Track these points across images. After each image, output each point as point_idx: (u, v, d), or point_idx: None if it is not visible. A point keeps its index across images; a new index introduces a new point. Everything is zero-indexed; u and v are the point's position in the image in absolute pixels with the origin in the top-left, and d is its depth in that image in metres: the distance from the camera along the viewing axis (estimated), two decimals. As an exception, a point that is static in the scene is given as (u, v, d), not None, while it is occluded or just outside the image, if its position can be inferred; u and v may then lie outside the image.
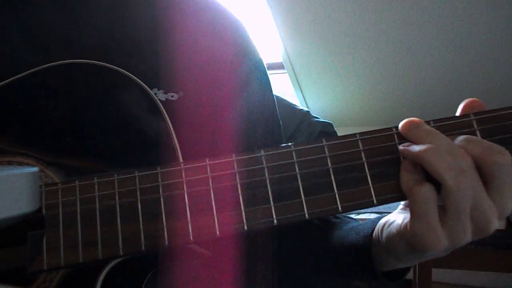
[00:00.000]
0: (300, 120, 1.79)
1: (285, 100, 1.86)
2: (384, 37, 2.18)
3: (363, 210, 1.39)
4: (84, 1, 0.54)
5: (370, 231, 0.46)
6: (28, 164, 0.42)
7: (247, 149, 0.53)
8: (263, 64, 0.63)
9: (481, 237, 0.36)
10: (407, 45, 2.21)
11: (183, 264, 0.43)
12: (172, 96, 0.49)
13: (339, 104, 2.90)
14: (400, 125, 0.38)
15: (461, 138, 0.36)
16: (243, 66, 0.58)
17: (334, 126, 1.92)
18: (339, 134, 1.88)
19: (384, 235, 0.42)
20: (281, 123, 0.64)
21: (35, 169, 0.34)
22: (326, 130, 1.84)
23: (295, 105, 1.94)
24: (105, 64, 0.44)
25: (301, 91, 2.80)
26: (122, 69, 0.44)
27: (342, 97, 2.82)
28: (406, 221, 0.38)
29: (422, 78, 2.47)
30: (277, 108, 0.63)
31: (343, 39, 2.25)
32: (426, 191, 0.35)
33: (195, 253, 0.43)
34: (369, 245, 0.45)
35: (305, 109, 1.96)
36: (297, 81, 2.70)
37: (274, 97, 0.64)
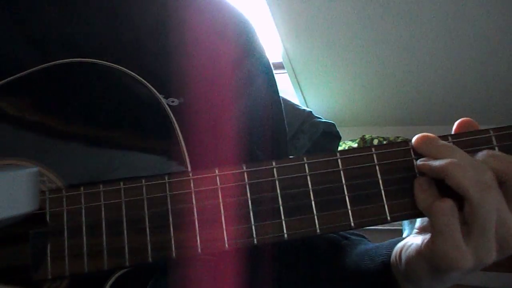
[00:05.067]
0: (303, 120, 1.77)
1: (288, 100, 1.85)
2: (384, 37, 2.17)
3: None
4: (85, 1, 0.53)
5: (388, 258, 0.43)
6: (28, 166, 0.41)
7: (251, 151, 0.51)
8: (267, 61, 0.61)
9: (505, 255, 0.35)
10: (407, 44, 2.21)
11: (185, 268, 0.42)
12: (173, 102, 0.48)
13: (339, 104, 2.89)
14: (414, 139, 0.37)
15: (483, 153, 0.35)
16: (245, 64, 0.57)
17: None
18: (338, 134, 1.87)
19: (403, 259, 0.40)
20: (286, 124, 0.63)
21: (35, 169, 0.34)
22: (328, 130, 1.82)
23: (297, 105, 1.92)
24: (113, 65, 0.43)
25: (301, 91, 2.80)
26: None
27: (342, 97, 2.82)
28: (426, 240, 0.36)
29: (422, 78, 2.46)
30: (282, 107, 0.62)
31: (343, 39, 2.24)
32: (448, 206, 0.34)
33: (198, 258, 0.42)
34: (389, 272, 0.43)
35: (308, 109, 1.94)
36: (297, 81, 2.69)
37: (280, 96, 0.62)
